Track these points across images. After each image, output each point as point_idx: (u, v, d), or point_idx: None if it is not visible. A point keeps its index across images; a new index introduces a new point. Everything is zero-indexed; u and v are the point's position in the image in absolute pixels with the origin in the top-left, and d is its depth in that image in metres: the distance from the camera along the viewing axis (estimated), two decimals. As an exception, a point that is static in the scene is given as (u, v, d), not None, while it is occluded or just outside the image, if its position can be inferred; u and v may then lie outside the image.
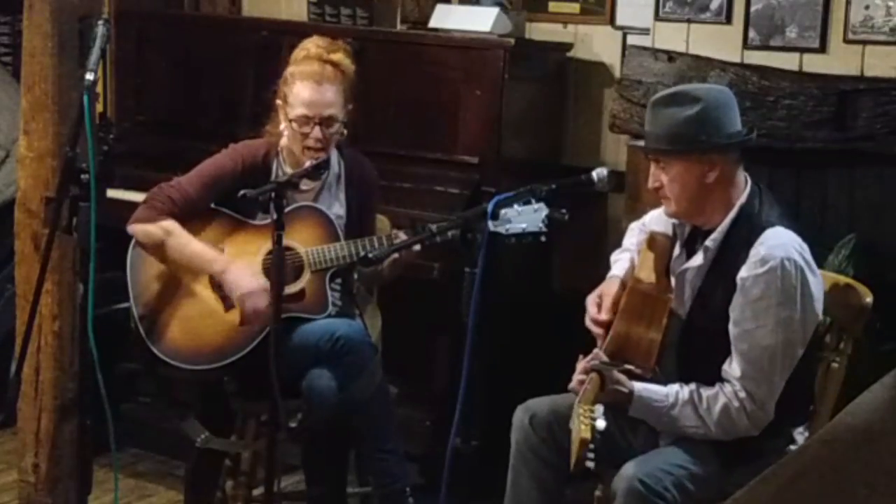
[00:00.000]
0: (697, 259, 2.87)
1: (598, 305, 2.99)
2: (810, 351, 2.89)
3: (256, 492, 3.52)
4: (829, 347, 3.06)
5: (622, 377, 2.80)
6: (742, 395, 2.76)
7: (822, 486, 1.52)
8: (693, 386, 2.81)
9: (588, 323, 2.99)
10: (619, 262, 3.14)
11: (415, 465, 3.75)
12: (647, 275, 2.95)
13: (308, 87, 3.35)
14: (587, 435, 2.56)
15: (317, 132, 3.35)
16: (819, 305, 2.81)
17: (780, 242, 2.76)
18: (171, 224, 3.36)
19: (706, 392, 2.80)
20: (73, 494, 3.35)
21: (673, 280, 2.94)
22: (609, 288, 3.03)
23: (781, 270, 2.72)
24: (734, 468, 2.79)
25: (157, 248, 3.37)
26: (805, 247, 2.79)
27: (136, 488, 4.16)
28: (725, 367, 2.80)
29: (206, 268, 3.36)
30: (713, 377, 2.82)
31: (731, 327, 2.78)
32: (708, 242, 2.85)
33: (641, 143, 2.97)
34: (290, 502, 3.72)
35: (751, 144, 2.91)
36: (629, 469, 2.75)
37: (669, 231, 3.01)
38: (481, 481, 3.25)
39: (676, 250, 2.97)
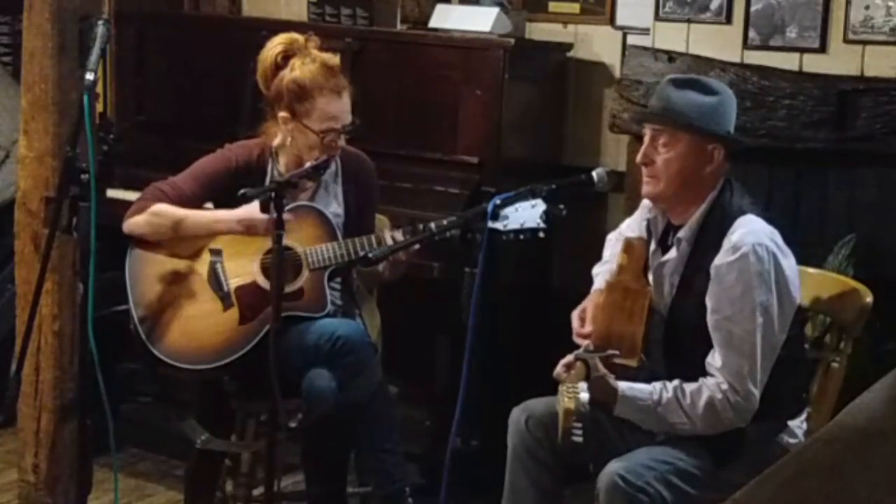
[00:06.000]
0: (672, 252, 2.90)
1: (582, 320, 3.01)
2: (797, 339, 2.89)
3: (256, 492, 3.52)
4: (829, 347, 3.06)
5: (606, 370, 2.80)
6: (724, 386, 2.75)
7: (823, 487, 1.51)
8: (676, 382, 2.81)
9: (575, 338, 3.00)
10: (601, 276, 3.15)
11: (415, 465, 3.75)
12: (626, 274, 2.99)
13: (333, 102, 3.35)
14: (571, 405, 2.61)
15: (341, 140, 3.39)
16: (795, 289, 2.82)
17: (750, 229, 2.78)
18: (161, 206, 3.37)
19: (689, 387, 2.79)
20: (73, 494, 3.35)
21: (651, 277, 2.95)
22: (592, 302, 3.05)
23: (754, 256, 2.74)
24: (725, 462, 2.79)
25: (155, 231, 3.36)
26: (776, 232, 2.82)
27: (136, 488, 4.16)
28: (708, 359, 2.80)
29: (213, 227, 3.36)
30: (700, 371, 2.81)
31: (708, 317, 2.79)
32: (680, 234, 2.87)
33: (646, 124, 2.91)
34: (290, 502, 3.72)
35: (742, 147, 2.92)
36: (611, 466, 2.74)
37: (644, 235, 3.03)
38: (481, 481, 3.25)
39: (652, 247, 2.98)
